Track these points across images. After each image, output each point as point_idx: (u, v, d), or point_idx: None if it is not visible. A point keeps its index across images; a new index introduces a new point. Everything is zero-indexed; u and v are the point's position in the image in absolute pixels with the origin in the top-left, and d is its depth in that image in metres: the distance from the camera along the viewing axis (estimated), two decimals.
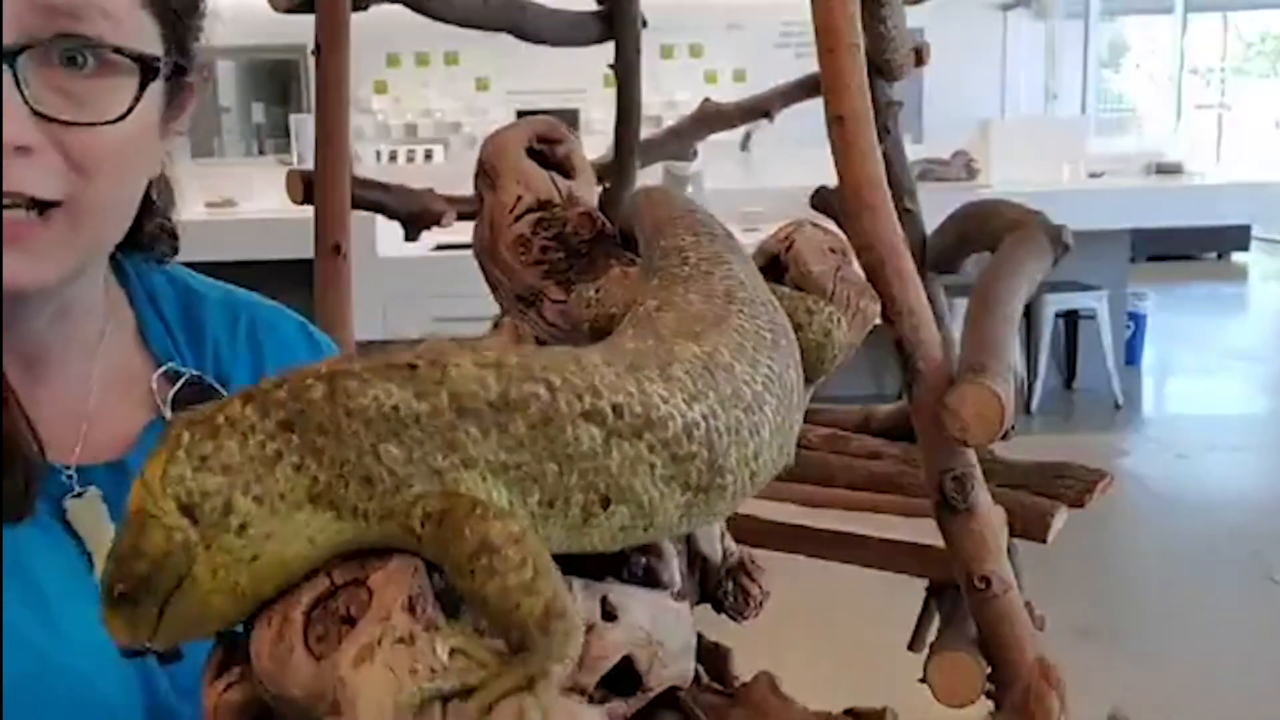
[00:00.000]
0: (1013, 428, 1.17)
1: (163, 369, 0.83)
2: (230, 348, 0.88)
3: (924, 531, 1.25)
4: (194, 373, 0.84)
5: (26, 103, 0.66)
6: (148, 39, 0.72)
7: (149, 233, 0.83)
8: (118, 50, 0.69)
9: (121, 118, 0.69)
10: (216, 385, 0.85)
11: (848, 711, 0.47)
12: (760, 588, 0.51)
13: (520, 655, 0.38)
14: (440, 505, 0.40)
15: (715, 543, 0.53)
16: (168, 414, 0.81)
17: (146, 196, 0.78)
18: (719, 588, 0.51)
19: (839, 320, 0.58)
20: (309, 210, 1.60)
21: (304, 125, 6.65)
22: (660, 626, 0.46)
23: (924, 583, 1.39)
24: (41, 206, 0.68)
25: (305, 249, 1.18)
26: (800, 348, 0.54)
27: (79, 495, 0.76)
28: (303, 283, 1.22)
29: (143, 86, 0.70)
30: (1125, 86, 12.91)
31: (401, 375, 0.41)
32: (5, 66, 0.65)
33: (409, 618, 0.39)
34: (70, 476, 0.76)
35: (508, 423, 0.41)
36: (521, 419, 0.42)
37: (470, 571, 0.38)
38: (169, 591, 0.42)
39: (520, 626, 0.38)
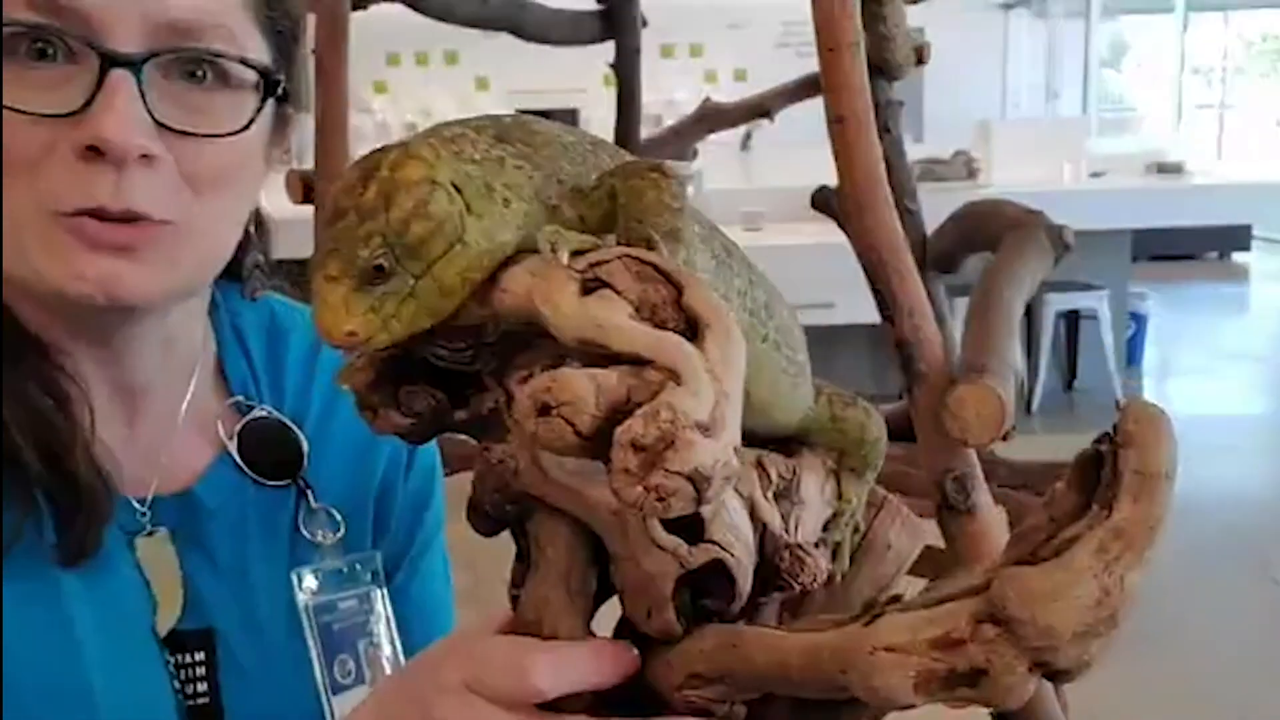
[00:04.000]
0: (1013, 428, 1.17)
1: (232, 400, 0.81)
2: (305, 388, 0.85)
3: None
4: (264, 408, 0.81)
5: (149, 111, 0.65)
6: (263, 56, 0.71)
7: (246, 266, 0.81)
8: (243, 61, 0.69)
9: (244, 129, 0.69)
10: (289, 423, 0.82)
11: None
12: (815, 562, 0.56)
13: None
14: (620, 165, 0.53)
15: (775, 517, 0.58)
16: (232, 449, 0.79)
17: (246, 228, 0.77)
18: (776, 553, 0.56)
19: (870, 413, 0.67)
20: (309, 210, 1.59)
21: (304, 125, 6.64)
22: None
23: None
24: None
25: (305, 249, 1.17)
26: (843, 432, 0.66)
27: (150, 534, 0.74)
28: (302, 283, 1.21)
29: (264, 99, 0.70)
30: (1126, 86, 12.90)
31: (550, 121, 0.55)
32: (130, 75, 0.64)
33: None
34: (144, 514, 0.75)
35: (623, 157, 0.56)
36: (626, 156, 0.56)
37: (640, 177, 0.51)
38: (435, 259, 0.48)
39: (649, 233, 0.50)
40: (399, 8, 2.25)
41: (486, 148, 0.50)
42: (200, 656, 0.74)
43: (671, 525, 0.50)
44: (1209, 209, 6.41)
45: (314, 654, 0.77)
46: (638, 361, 0.45)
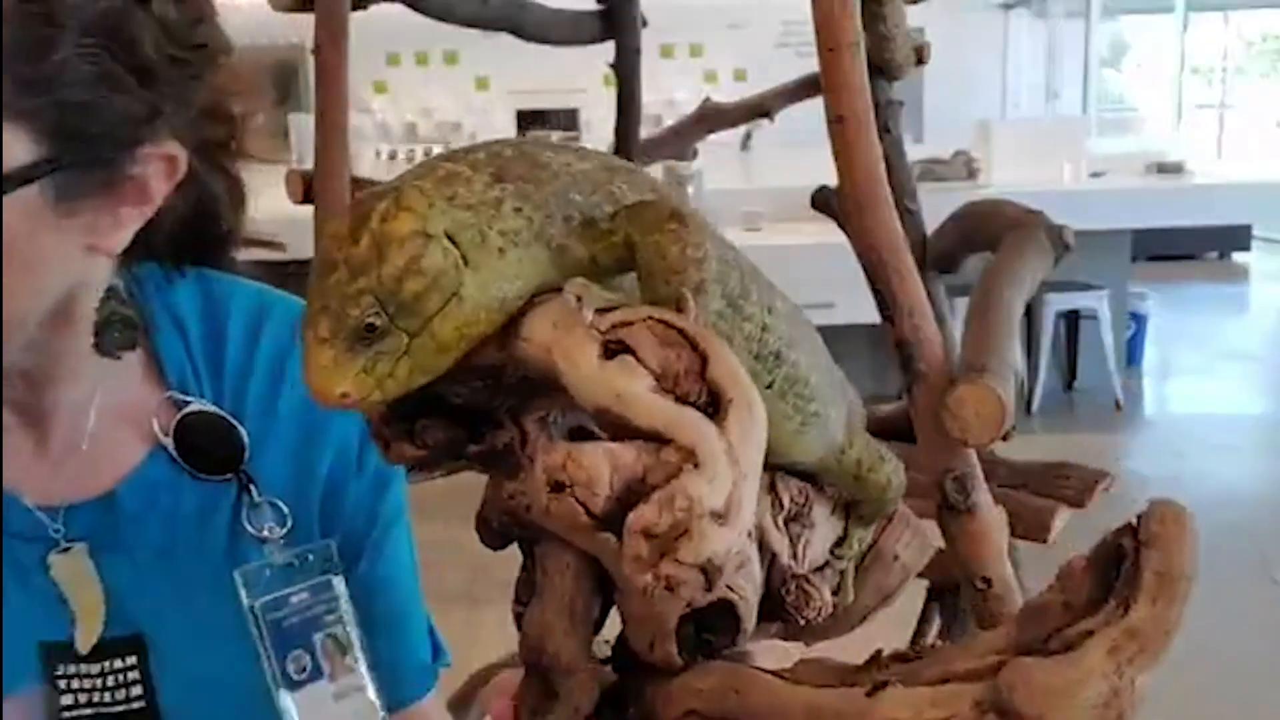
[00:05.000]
0: (1013, 428, 1.17)
1: (167, 394, 0.77)
2: (245, 370, 0.81)
3: (932, 545, 1.25)
4: (202, 402, 0.78)
5: None
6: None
7: (101, 317, 0.73)
8: None
9: None
10: (227, 416, 0.78)
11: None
12: (820, 596, 0.55)
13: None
14: (633, 207, 0.49)
15: (785, 546, 0.57)
16: (168, 444, 0.76)
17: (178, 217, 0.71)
18: (783, 585, 0.56)
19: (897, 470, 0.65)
20: (309, 210, 1.59)
21: (304, 125, 6.63)
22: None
23: (924, 583, 1.38)
24: None
25: (305, 249, 1.17)
26: (864, 489, 0.64)
27: (65, 550, 0.71)
28: (302, 283, 1.21)
29: None
30: (1126, 86, 12.90)
31: (562, 146, 0.51)
32: None
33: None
34: (58, 530, 0.72)
35: (641, 181, 0.52)
36: (644, 180, 0.52)
37: (661, 231, 0.47)
38: (431, 315, 0.45)
39: (677, 293, 0.47)
40: (399, 8, 2.24)
41: (483, 188, 0.47)
42: (132, 661, 0.71)
43: None
44: (1209, 209, 6.41)
45: (264, 653, 0.74)
46: (656, 437, 0.44)
